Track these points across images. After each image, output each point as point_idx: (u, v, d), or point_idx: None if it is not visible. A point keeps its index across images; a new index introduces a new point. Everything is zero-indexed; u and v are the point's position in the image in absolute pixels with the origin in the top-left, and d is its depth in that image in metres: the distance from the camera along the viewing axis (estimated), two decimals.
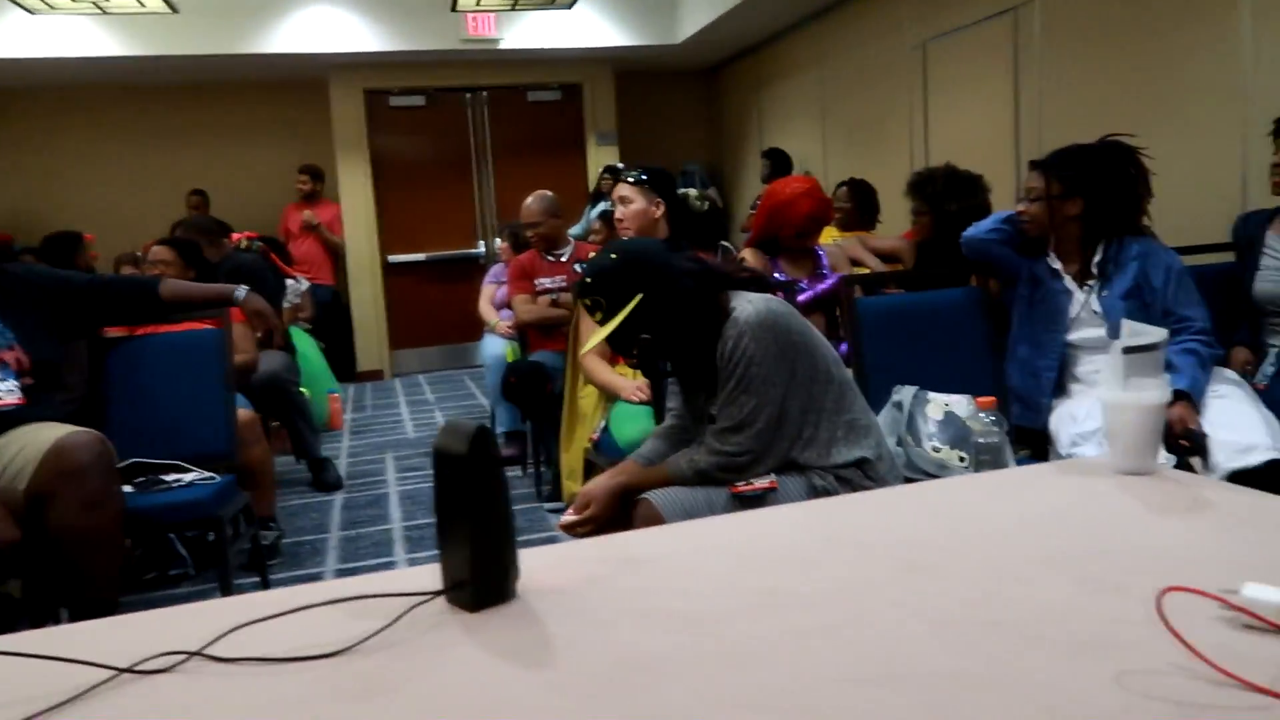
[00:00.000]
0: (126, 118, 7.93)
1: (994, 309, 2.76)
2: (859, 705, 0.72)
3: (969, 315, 2.74)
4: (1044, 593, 0.92)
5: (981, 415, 2.19)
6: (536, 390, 3.74)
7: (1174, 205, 3.02)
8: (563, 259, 4.21)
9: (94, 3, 5.17)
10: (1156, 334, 1.29)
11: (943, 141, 5.50)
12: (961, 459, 2.39)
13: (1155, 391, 1.27)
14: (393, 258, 8.02)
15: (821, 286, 3.06)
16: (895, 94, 5.94)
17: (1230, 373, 2.57)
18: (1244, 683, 0.72)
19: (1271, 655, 0.77)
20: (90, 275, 2.96)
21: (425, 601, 0.93)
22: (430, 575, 0.97)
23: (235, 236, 5.44)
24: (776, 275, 3.07)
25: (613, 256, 1.96)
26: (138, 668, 0.83)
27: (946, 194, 3.54)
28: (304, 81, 8.00)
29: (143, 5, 5.20)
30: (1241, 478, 2.16)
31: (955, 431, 2.44)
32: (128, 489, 2.60)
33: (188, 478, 2.73)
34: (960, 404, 2.46)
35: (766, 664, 0.79)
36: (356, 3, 7.09)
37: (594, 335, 2.00)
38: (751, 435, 1.92)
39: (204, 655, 0.85)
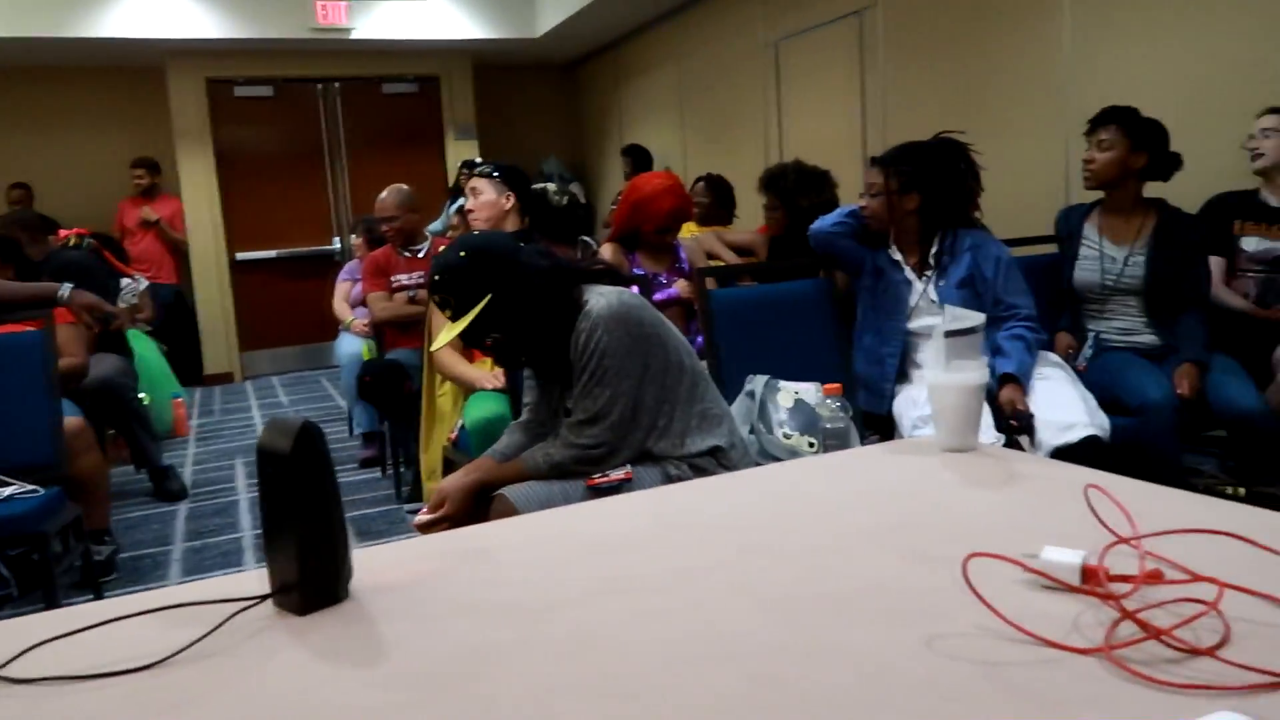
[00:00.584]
0: None
1: (841, 300, 2.86)
2: (687, 684, 0.73)
3: (818, 306, 2.83)
4: (865, 566, 0.96)
5: (829, 401, 2.26)
6: (394, 389, 3.65)
7: (1003, 200, 3.21)
8: (420, 255, 4.12)
9: None
10: (975, 318, 1.37)
11: (794, 138, 5.67)
12: (811, 444, 2.47)
13: (975, 373, 1.34)
14: (241, 255, 7.67)
15: (675, 291, 3.11)
16: (750, 92, 6.09)
17: (1054, 356, 2.75)
18: (1039, 639, 0.77)
19: (1063, 612, 0.82)
20: None
21: (250, 607, 0.90)
22: (258, 580, 0.94)
23: (63, 233, 5.09)
24: (635, 270, 3.10)
25: (461, 254, 1.93)
26: None
27: (798, 189, 3.66)
28: (138, 69, 7.54)
29: None
30: (1064, 454, 2.31)
31: (805, 418, 2.52)
32: None
33: (6, 491, 2.54)
34: (809, 392, 2.54)
35: (600, 649, 0.80)
36: None
37: (444, 333, 1.97)
38: (606, 427, 1.93)
39: None
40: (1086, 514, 1.01)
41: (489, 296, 1.90)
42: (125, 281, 5.30)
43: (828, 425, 2.29)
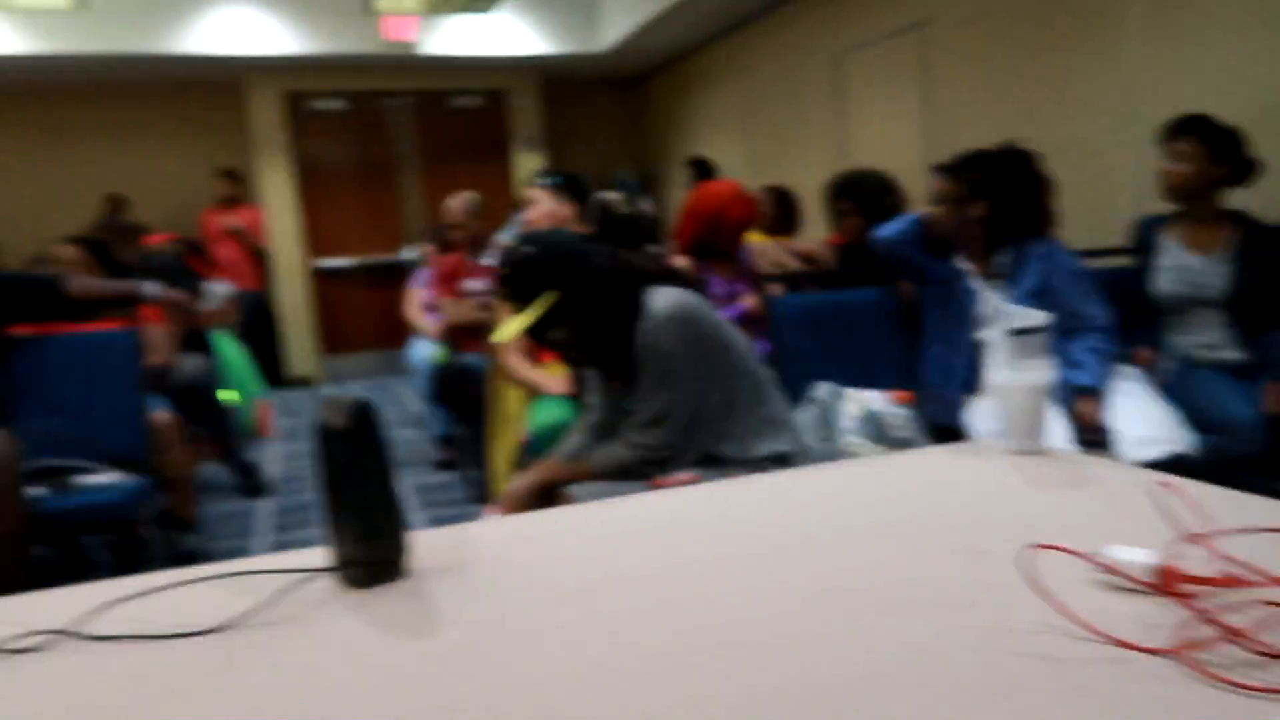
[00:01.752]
0: (37, 118, 7.68)
1: (907, 308, 2.82)
2: (732, 669, 0.73)
3: (884, 314, 2.80)
4: (922, 559, 0.95)
5: (897, 410, 2.23)
6: (469, 392, 3.71)
7: (1072, 211, 3.13)
8: (489, 262, 4.18)
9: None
10: (1041, 318, 1.34)
11: (859, 149, 5.62)
12: (876, 455, 2.44)
13: (1040, 373, 1.31)
14: (320, 263, 7.89)
15: (742, 307, 3.11)
16: (814, 104, 6.07)
17: (1133, 370, 2.66)
18: (1106, 637, 0.75)
19: (1132, 611, 0.80)
20: None
21: (311, 578, 0.92)
22: (321, 555, 0.96)
23: (153, 239, 5.31)
24: (709, 283, 3.10)
25: (530, 248, 1.96)
26: (4, 647, 0.80)
27: (878, 195, 3.59)
28: (216, 84, 7.82)
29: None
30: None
31: (871, 427, 2.49)
32: (38, 491, 2.51)
33: (99, 479, 2.65)
34: (877, 400, 2.51)
35: (647, 631, 0.80)
36: (273, 3, 6.96)
37: (509, 325, 1.99)
38: (669, 429, 1.93)
39: (74, 633, 0.83)
40: (1156, 516, 0.97)
41: (556, 291, 1.92)
42: (213, 285, 5.50)
43: (895, 435, 2.26)
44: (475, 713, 0.68)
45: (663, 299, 1.93)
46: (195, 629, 0.83)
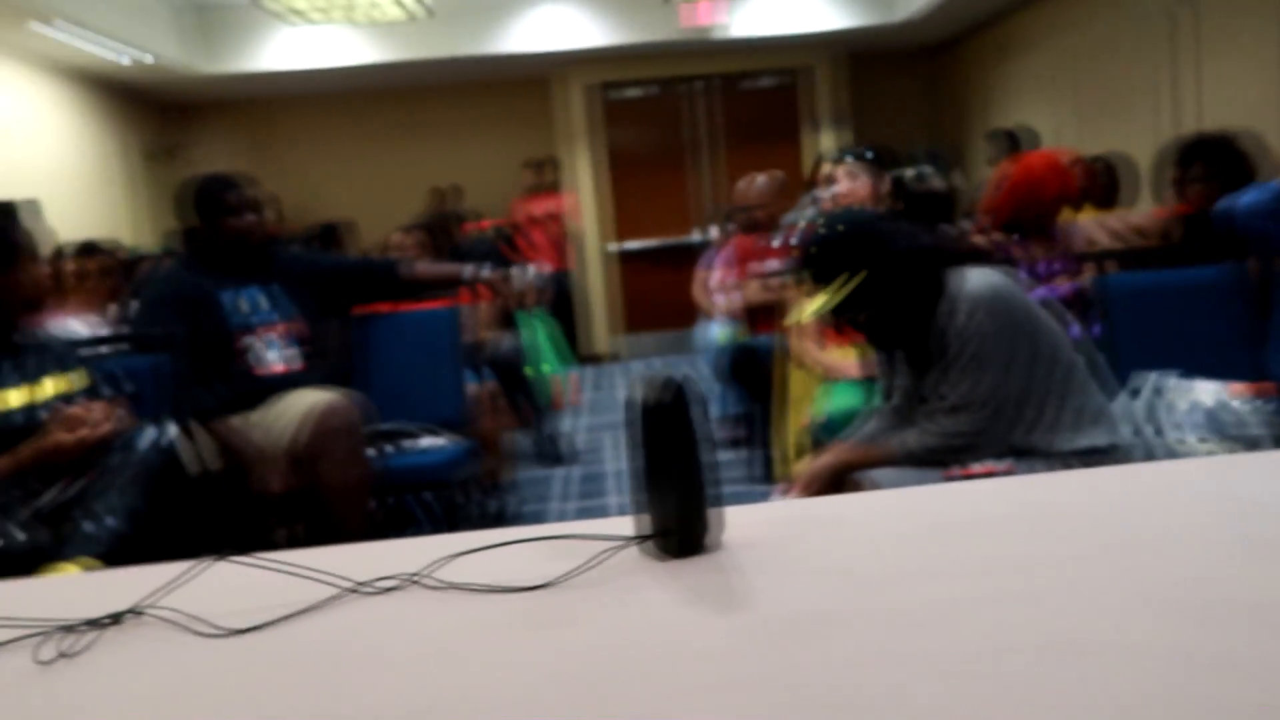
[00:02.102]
0: (380, 119, 8.64)
1: (1260, 287, 2.48)
2: (1056, 680, 0.68)
3: (1231, 295, 2.48)
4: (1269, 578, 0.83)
5: (1238, 404, 1.98)
6: (762, 370, 3.74)
7: None
8: (785, 242, 4.18)
9: (344, 13, 5.65)
10: None
11: (1199, 111, 4.98)
12: (1211, 453, 2.17)
13: None
14: (619, 246, 8.28)
15: (1061, 290, 2.87)
16: (1144, 64, 5.45)
17: None
18: None
19: None
20: (335, 258, 3.26)
21: (624, 546, 0.97)
22: (633, 524, 1.01)
23: (471, 226, 5.81)
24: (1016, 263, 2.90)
25: (838, 228, 1.93)
26: (364, 587, 0.92)
27: (1236, 160, 3.16)
28: (534, 78, 8.39)
29: (383, 13, 5.62)
30: None
31: (1211, 422, 2.22)
32: (376, 451, 2.85)
33: (424, 442, 2.95)
34: (1214, 392, 2.23)
35: (957, 628, 0.76)
36: (583, 1, 7.35)
37: (811, 304, 1.97)
38: (973, 417, 1.84)
39: (421, 579, 0.93)
40: None
41: (859, 273, 1.87)
42: (521, 268, 5.94)
43: (1241, 432, 2.00)
44: (783, 693, 0.68)
45: (971, 280, 1.84)
46: (522, 584, 0.90)
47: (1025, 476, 1.29)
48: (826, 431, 2.71)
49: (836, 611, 0.81)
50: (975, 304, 1.81)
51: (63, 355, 2.19)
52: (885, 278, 1.87)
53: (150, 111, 8.06)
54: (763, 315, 4.12)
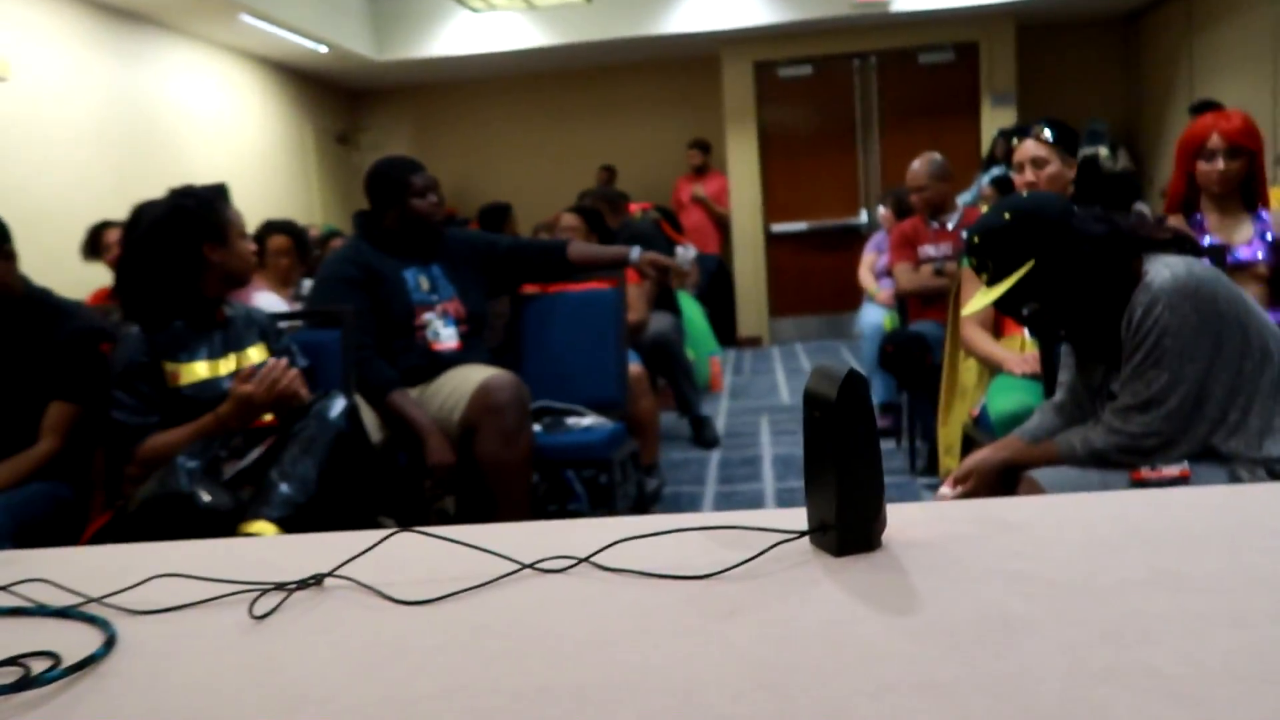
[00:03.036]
0: (543, 101, 8.85)
1: None
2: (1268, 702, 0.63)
3: None
4: None
5: None
6: (915, 361, 3.63)
7: None
8: (949, 226, 4.03)
9: (527, 3, 5.80)
10: None
11: None
12: None
13: None
14: (775, 227, 8.19)
15: (1250, 254, 2.64)
16: None
17: None
18: None
19: None
20: (511, 239, 3.35)
21: (790, 540, 0.96)
22: (798, 517, 1.00)
23: (633, 206, 5.88)
24: (1206, 239, 2.70)
25: (1005, 216, 1.85)
26: (538, 565, 0.95)
27: None
28: (696, 58, 8.37)
29: None
30: None
31: None
32: (536, 428, 2.94)
33: (585, 421, 3.02)
34: None
35: (1145, 642, 0.72)
36: None
37: (978, 297, 1.90)
38: (1161, 415, 1.73)
39: (591, 562, 0.95)
40: None
41: (1031, 262, 1.79)
42: (678, 249, 5.97)
43: None
44: (976, 699, 0.66)
45: (1168, 268, 1.72)
46: (691, 573, 0.90)
47: (1215, 486, 1.20)
48: (992, 428, 2.60)
49: (1030, 619, 0.77)
50: (1165, 295, 1.70)
51: (265, 328, 2.36)
52: (1062, 267, 1.78)
53: (331, 96, 8.55)
54: (921, 302, 3.99)
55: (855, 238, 8.10)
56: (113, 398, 2.11)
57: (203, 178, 6.31)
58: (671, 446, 4.63)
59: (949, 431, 3.15)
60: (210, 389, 2.17)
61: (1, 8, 4.81)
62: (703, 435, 4.65)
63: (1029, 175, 2.79)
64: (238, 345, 2.26)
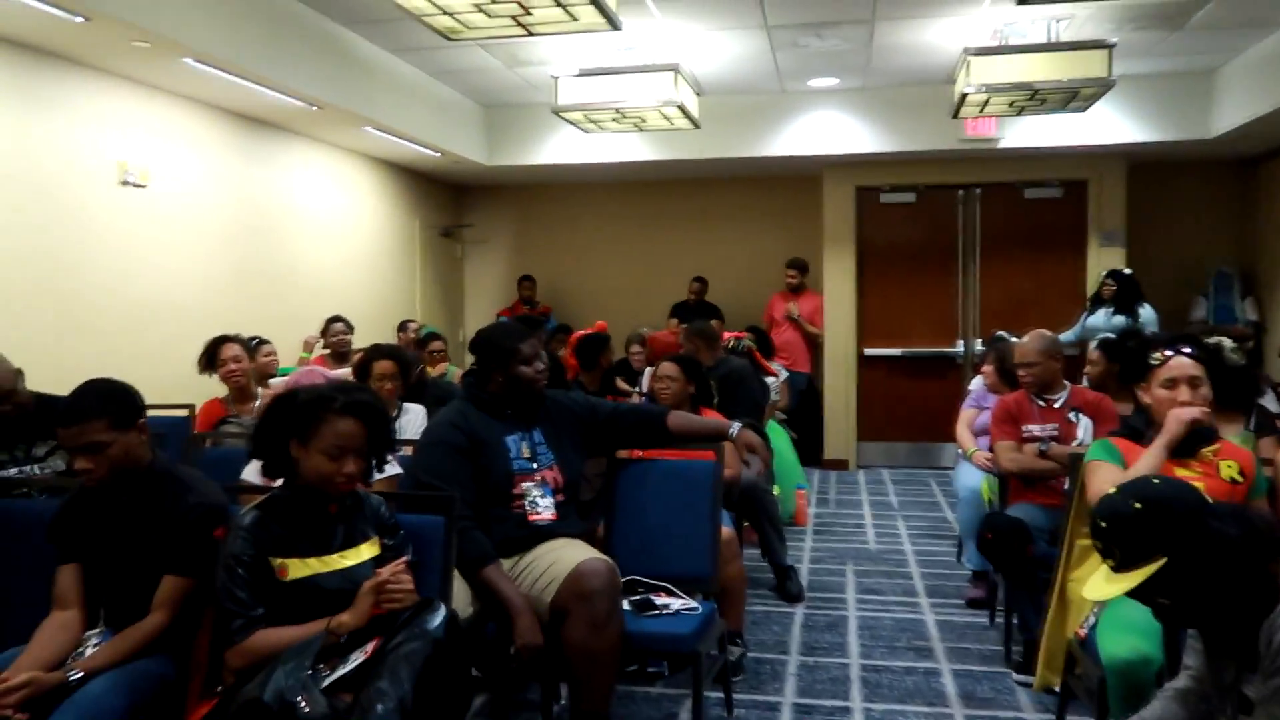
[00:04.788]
0: (643, 206, 8.99)
1: None
2: None
3: None
4: None
5: None
6: (1016, 553, 3.49)
7: None
8: (1056, 404, 3.92)
9: (635, 124, 5.96)
10: None
11: None
12: None
13: None
14: (869, 350, 8.10)
15: None
16: None
17: None
18: None
19: None
20: (612, 405, 3.37)
21: None
22: None
23: (726, 335, 5.89)
24: None
25: (1135, 505, 1.78)
26: None
27: None
28: (796, 178, 8.43)
29: (671, 124, 5.90)
30: None
31: None
32: (624, 606, 2.90)
33: (674, 605, 2.97)
34: None
35: None
36: (855, 108, 7.32)
37: (1104, 585, 1.83)
38: None
39: None
40: None
41: (1162, 560, 1.72)
42: (769, 381, 5.95)
43: None
44: None
45: None
46: None
47: None
48: (1093, 646, 2.49)
49: None
50: None
51: (379, 518, 2.37)
52: (1190, 568, 1.70)
53: (438, 192, 8.86)
54: (1023, 483, 3.86)
55: (949, 366, 7.98)
56: (221, 586, 2.16)
57: (313, 272, 6.63)
58: (753, 597, 4.49)
59: (1052, 640, 3.02)
60: (320, 584, 2.20)
61: (147, 119, 5.13)
62: (787, 589, 4.54)
63: (1184, 394, 2.66)
64: (349, 541, 2.28)
